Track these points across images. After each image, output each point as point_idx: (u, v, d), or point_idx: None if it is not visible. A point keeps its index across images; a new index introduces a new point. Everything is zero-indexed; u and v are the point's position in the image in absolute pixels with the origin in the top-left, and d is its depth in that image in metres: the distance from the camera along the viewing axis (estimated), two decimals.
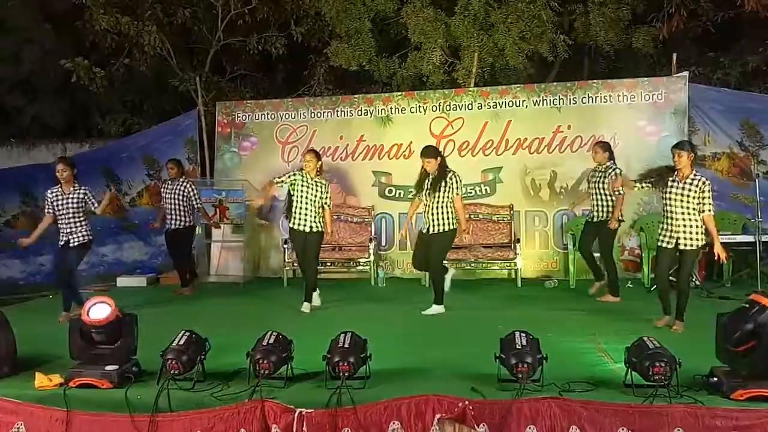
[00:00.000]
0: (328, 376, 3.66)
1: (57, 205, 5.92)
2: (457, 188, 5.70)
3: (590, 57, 10.14)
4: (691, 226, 4.95)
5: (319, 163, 6.10)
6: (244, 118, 8.75)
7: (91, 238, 6.07)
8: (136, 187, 9.06)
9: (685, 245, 4.98)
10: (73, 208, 5.91)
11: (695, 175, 4.97)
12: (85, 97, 10.48)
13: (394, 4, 9.14)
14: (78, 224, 5.93)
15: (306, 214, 5.99)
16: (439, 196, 5.66)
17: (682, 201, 4.95)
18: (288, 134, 8.56)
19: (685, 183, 4.95)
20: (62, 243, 5.96)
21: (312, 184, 6.02)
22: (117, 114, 10.92)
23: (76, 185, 5.98)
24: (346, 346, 3.69)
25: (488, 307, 6.18)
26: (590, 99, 7.90)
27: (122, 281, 8.07)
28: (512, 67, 8.95)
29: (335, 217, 7.97)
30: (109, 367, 3.78)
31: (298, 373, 3.83)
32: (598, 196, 6.24)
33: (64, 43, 10.11)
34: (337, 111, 8.51)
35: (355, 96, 8.79)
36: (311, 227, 6.00)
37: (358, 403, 3.43)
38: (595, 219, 6.32)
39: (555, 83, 8.48)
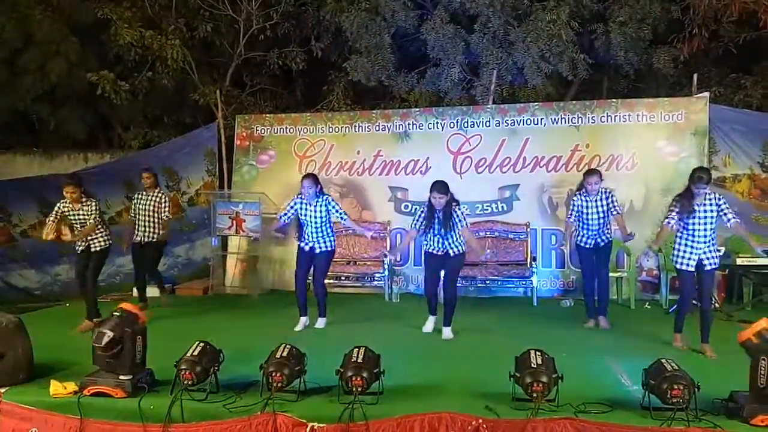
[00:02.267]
0: (340, 390, 3.65)
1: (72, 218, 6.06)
2: (464, 222, 5.61)
3: (610, 76, 10.11)
4: (713, 245, 5.00)
5: (318, 186, 5.98)
6: (262, 131, 8.83)
7: (110, 243, 6.21)
8: None
9: (709, 265, 4.99)
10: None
11: (709, 194, 5.00)
12: (108, 109, 10.64)
13: (414, 20, 9.21)
14: (99, 230, 6.08)
15: (310, 234, 6.00)
16: (450, 227, 5.56)
17: (705, 222, 4.96)
18: (306, 148, 8.62)
19: (704, 204, 4.96)
20: (82, 248, 6.09)
21: (310, 207, 5.97)
22: (138, 126, 11.07)
23: (84, 199, 6.03)
24: (360, 360, 3.68)
25: (503, 326, 6.12)
26: (609, 118, 7.86)
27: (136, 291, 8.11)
28: (531, 85, 8.96)
29: (350, 231, 8.02)
30: (123, 377, 3.80)
31: (311, 386, 3.82)
32: (604, 224, 6.03)
33: (88, 56, 10.30)
34: (355, 126, 8.55)
35: (373, 111, 8.86)
36: (318, 247, 6.01)
37: (370, 418, 3.42)
38: (602, 244, 6.07)
39: (574, 102, 8.47)
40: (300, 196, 6.00)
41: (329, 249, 6.07)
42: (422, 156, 8.28)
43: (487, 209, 7.99)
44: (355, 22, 9.03)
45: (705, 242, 4.97)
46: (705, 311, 5.03)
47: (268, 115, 9.23)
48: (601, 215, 5.97)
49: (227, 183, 9.00)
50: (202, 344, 3.89)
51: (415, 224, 5.71)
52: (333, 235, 6.13)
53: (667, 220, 5.09)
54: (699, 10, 8.62)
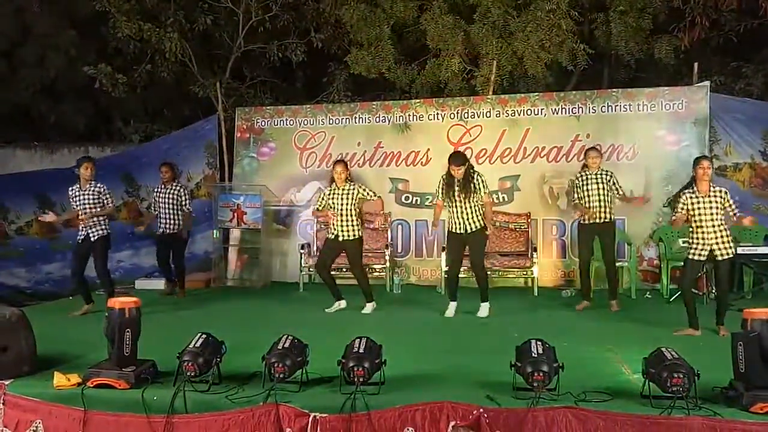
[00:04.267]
0: (342, 381, 3.66)
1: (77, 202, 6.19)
2: (485, 188, 5.87)
3: (610, 66, 10.09)
4: (723, 237, 5.07)
5: (347, 171, 6.31)
6: (263, 123, 8.82)
7: (109, 231, 6.32)
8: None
9: (721, 255, 5.09)
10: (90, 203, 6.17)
11: (713, 186, 5.12)
12: (108, 102, 10.64)
13: (414, 11, 9.18)
14: (97, 219, 6.18)
15: (338, 223, 6.19)
16: (470, 199, 5.81)
17: (712, 213, 5.05)
18: (306, 140, 8.61)
19: (709, 196, 5.08)
20: (82, 238, 6.17)
21: (339, 194, 6.20)
22: (138, 119, 11.06)
23: (92, 182, 6.23)
24: (361, 351, 3.69)
25: (504, 315, 6.14)
26: (610, 108, 7.85)
27: (140, 284, 8.15)
28: (531, 75, 8.94)
29: None
30: (126, 368, 3.82)
31: (313, 377, 3.83)
32: (604, 199, 6.15)
33: (87, 49, 10.29)
34: (356, 117, 8.54)
35: (374, 103, 8.84)
36: (345, 235, 6.19)
37: (372, 408, 3.43)
38: (600, 221, 6.19)
39: (574, 92, 8.45)
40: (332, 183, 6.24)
41: (357, 237, 6.26)
42: (423, 147, 8.27)
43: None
44: (354, 14, 9.00)
45: (714, 232, 5.05)
46: (720, 297, 5.22)
47: (268, 107, 9.23)
48: (602, 192, 6.14)
49: (228, 175, 9.01)
50: (204, 336, 3.90)
51: (439, 194, 5.97)
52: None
53: (676, 213, 5.22)
54: None
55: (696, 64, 8.09)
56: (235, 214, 8.28)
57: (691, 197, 5.13)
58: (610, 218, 6.20)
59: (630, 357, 4.26)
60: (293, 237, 8.58)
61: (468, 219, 5.86)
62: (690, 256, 5.18)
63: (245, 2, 9.76)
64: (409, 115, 8.37)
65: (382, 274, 7.87)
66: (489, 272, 7.52)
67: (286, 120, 8.76)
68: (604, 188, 6.16)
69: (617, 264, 7.23)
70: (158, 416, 3.57)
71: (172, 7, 9.81)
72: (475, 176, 5.83)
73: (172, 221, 7.26)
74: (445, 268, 6.79)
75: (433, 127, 8.28)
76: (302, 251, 7.81)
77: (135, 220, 8.74)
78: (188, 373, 3.69)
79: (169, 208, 7.24)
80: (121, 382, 3.76)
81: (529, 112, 8.08)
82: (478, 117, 8.19)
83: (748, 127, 7.60)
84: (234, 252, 8.62)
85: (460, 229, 5.91)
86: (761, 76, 9.09)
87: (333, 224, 6.22)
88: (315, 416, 3.43)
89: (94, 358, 4.09)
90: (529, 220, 7.78)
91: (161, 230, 7.28)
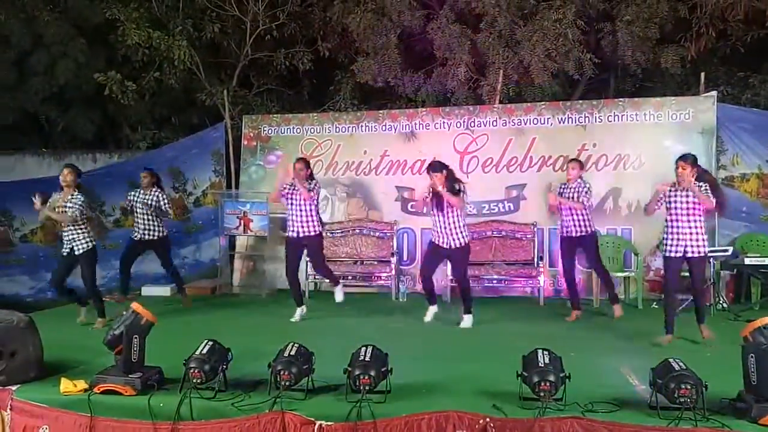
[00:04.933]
0: (348, 389, 3.66)
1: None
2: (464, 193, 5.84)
3: (617, 76, 10.09)
4: (698, 234, 5.13)
5: (307, 170, 6.23)
6: (269, 131, 8.86)
7: (94, 243, 6.06)
8: None
9: (692, 253, 5.14)
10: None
11: (695, 183, 5.12)
12: (116, 109, 10.70)
13: (420, 20, 9.22)
14: (78, 231, 5.93)
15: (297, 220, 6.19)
16: (451, 210, 5.76)
17: (687, 208, 5.12)
18: (313, 148, 8.64)
19: (686, 190, 5.13)
20: (67, 251, 5.96)
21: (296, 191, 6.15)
22: (146, 126, 11.13)
23: (75, 192, 5.99)
24: (367, 359, 3.69)
25: (510, 325, 6.13)
26: (616, 117, 7.85)
27: (147, 290, 8.17)
28: (537, 84, 8.95)
29: (357, 231, 8.07)
30: (132, 375, 3.83)
31: (319, 385, 3.83)
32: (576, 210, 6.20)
33: (97, 57, 10.37)
34: (362, 126, 8.57)
35: (380, 111, 8.87)
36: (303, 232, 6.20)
37: (378, 417, 3.43)
38: (575, 234, 6.23)
39: (580, 101, 8.45)
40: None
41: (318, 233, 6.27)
42: (429, 156, 8.18)
43: (494, 209, 7.99)
44: (361, 22, 9.04)
45: (689, 231, 5.11)
46: (696, 296, 5.30)
47: (275, 115, 9.27)
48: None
49: (235, 183, 9.04)
50: (210, 343, 3.91)
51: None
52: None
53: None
54: (706, 8, 8.61)
55: (703, 74, 8.09)
56: (242, 222, 8.30)
57: (670, 189, 5.21)
58: (586, 231, 6.19)
59: (637, 367, 4.24)
60: None
61: (451, 232, 5.80)
62: (666, 254, 5.24)
63: (252, 11, 9.83)
64: (415, 124, 8.39)
65: (387, 282, 7.86)
66: (495, 281, 7.57)
67: (293, 128, 8.79)
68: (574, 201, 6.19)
69: (624, 274, 7.25)
70: (164, 423, 3.58)
71: (181, 15, 9.90)
72: (459, 186, 5.78)
73: (149, 227, 7.01)
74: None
75: (439, 136, 8.29)
76: (308, 259, 7.81)
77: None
78: (194, 380, 3.70)
79: (146, 213, 7.00)
80: (127, 389, 3.78)
81: (535, 121, 8.08)
82: (485, 126, 8.20)
83: (756, 137, 7.58)
84: (240, 259, 8.64)
85: (442, 242, 5.86)
86: None
87: (292, 221, 6.21)
88: (321, 424, 3.43)
89: (100, 364, 4.10)
90: (535, 229, 7.77)
91: (137, 236, 7.03)
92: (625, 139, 7.79)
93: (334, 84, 10.49)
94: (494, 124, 8.19)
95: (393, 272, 7.77)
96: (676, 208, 5.18)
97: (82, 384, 3.88)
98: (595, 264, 6.44)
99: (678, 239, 5.16)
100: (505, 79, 8.76)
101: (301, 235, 6.19)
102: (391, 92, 10.00)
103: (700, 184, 5.09)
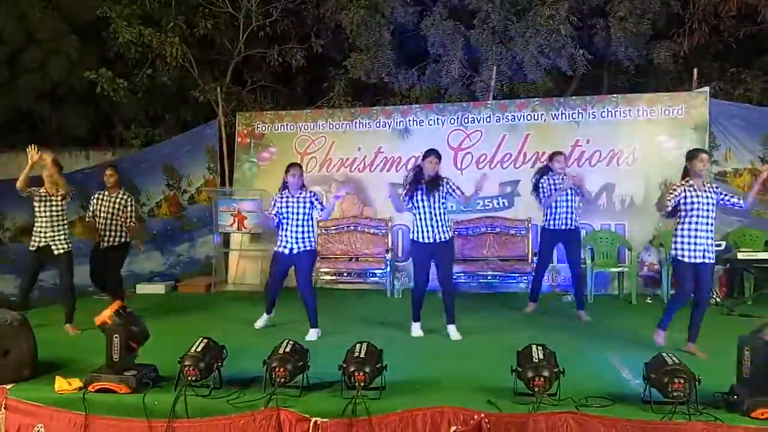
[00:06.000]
0: (343, 385, 3.67)
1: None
2: (457, 192, 5.38)
3: (610, 72, 10.11)
4: (712, 238, 4.78)
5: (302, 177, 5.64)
6: (263, 128, 8.84)
7: (71, 245, 5.87)
8: (154, 197, 9.07)
9: (711, 258, 4.78)
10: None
11: (711, 183, 4.86)
12: (109, 106, 10.67)
13: (414, 16, 9.21)
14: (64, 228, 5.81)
15: (291, 235, 5.49)
16: (444, 198, 5.36)
17: (708, 210, 4.71)
18: (307, 145, 8.63)
19: (707, 191, 4.75)
20: (41, 246, 5.73)
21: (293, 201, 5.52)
22: (139, 124, 11.08)
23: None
24: (362, 356, 3.70)
25: (504, 320, 6.15)
26: (609, 113, 7.87)
27: (141, 288, 8.15)
28: (531, 80, 8.96)
29: (352, 227, 8.07)
30: (127, 373, 3.82)
31: (314, 382, 3.84)
32: (568, 204, 6.09)
33: (89, 54, 10.31)
34: (356, 122, 8.56)
35: (374, 108, 8.86)
36: (298, 248, 5.49)
37: (373, 413, 3.44)
38: (566, 227, 6.11)
39: (574, 97, 8.47)
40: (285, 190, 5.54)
41: (312, 249, 5.56)
42: (423, 152, 8.25)
43: (488, 205, 8.00)
44: (354, 19, 9.02)
45: (706, 231, 4.71)
46: (701, 305, 4.79)
47: (268, 112, 9.25)
48: (569, 198, 6.07)
49: (229, 180, 9.02)
50: (205, 341, 3.91)
51: (402, 196, 5.44)
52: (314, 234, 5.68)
53: (665, 201, 4.80)
54: (699, 4, 8.64)
55: (695, 70, 8.12)
56: (236, 219, 8.29)
57: (689, 189, 4.74)
58: (575, 227, 6.14)
59: (631, 362, 4.26)
60: None
61: (438, 225, 5.29)
62: (682, 259, 4.75)
63: (246, 7, 9.79)
64: (409, 120, 8.40)
65: (382, 279, 7.87)
66: (489, 278, 7.58)
67: (287, 125, 8.78)
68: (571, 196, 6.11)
69: (618, 269, 7.29)
70: (159, 421, 3.59)
71: (173, 12, 9.84)
72: (445, 181, 5.37)
73: (111, 233, 6.30)
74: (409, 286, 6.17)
75: (433, 133, 8.29)
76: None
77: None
78: (189, 378, 3.70)
79: (109, 218, 6.30)
80: (122, 387, 3.78)
81: (528, 117, 8.10)
82: (478, 122, 8.21)
83: (748, 132, 7.63)
84: (234, 257, 8.63)
85: (428, 237, 5.31)
86: (760, 81, 9.10)
87: (283, 236, 5.50)
88: (316, 421, 3.44)
89: (95, 363, 4.09)
90: (529, 225, 7.78)
91: (101, 243, 6.30)
92: (618, 135, 7.82)
93: (328, 81, 10.47)
94: (488, 120, 8.20)
95: (388, 269, 7.77)
96: (698, 209, 4.69)
97: (76, 382, 3.87)
98: (578, 261, 6.29)
99: (697, 243, 4.71)
100: (498, 75, 8.77)
101: (294, 252, 5.48)
102: (384, 89, 9.99)
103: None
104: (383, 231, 8.11)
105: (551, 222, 6.17)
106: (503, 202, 8.06)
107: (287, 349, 3.79)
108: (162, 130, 11.00)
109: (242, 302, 7.38)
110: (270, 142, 8.80)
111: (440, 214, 5.33)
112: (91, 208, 6.40)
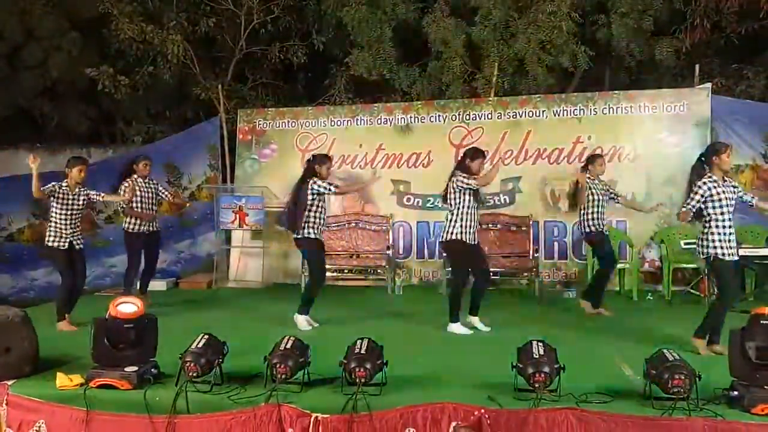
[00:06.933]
0: (344, 381, 3.67)
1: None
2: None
3: (612, 68, 10.09)
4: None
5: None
6: (264, 125, 8.84)
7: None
8: None
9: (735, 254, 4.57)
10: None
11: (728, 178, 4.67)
12: (110, 104, 10.67)
13: (416, 13, 9.20)
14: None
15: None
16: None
17: (733, 204, 4.53)
18: (308, 142, 8.62)
19: (729, 185, 4.57)
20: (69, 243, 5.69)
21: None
22: (140, 121, 11.09)
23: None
24: (363, 352, 3.70)
25: (506, 317, 6.15)
26: (611, 110, 7.87)
27: None
28: (532, 77, 8.94)
29: (353, 224, 8.07)
30: (128, 368, 3.82)
31: (315, 378, 3.84)
32: (602, 207, 6.07)
33: (90, 51, 10.31)
34: (357, 119, 8.56)
35: (375, 105, 8.86)
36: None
37: (373, 409, 3.44)
38: (606, 230, 6.12)
39: (575, 93, 8.46)
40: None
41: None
42: (424, 149, 8.28)
43: (489, 202, 7.99)
44: (355, 16, 9.01)
45: (732, 226, 4.50)
46: (726, 305, 4.58)
47: (269, 109, 9.26)
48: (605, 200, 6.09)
49: (230, 177, 9.02)
50: (206, 337, 3.91)
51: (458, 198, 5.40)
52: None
53: (689, 204, 4.56)
54: (701, 0, 8.61)
55: (697, 66, 8.10)
56: (237, 216, 8.30)
57: (715, 185, 4.49)
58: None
59: (631, 358, 4.26)
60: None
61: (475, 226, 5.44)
62: (723, 257, 4.46)
63: (247, 4, 9.77)
64: (410, 117, 8.39)
65: (383, 275, 7.87)
66: (492, 273, 7.55)
67: (288, 122, 8.78)
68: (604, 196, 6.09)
69: (619, 266, 7.27)
70: (160, 416, 3.58)
71: (174, 9, 9.84)
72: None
73: (154, 218, 6.54)
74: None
75: (434, 129, 8.29)
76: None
77: None
78: (190, 374, 3.70)
79: (152, 204, 6.49)
80: (123, 383, 3.77)
81: (530, 113, 8.09)
82: (480, 119, 8.21)
83: (750, 129, 7.61)
84: (236, 253, 8.64)
85: (474, 239, 5.43)
86: (763, 78, 9.09)
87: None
88: (317, 417, 3.44)
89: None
90: (530, 222, 7.78)
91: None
92: (620, 131, 7.81)
93: (329, 77, 10.47)
94: (489, 117, 8.20)
95: (389, 265, 7.77)
96: (727, 204, 4.46)
97: (77, 378, 3.87)
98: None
99: (731, 239, 4.46)
100: (500, 71, 8.76)
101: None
102: (386, 85, 9.98)
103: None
104: (384, 228, 8.11)
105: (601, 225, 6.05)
106: (505, 199, 8.06)
107: (288, 345, 3.78)
108: (163, 127, 11.01)
109: (243, 298, 7.39)
110: (271, 139, 8.81)
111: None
112: (131, 196, 6.28)
